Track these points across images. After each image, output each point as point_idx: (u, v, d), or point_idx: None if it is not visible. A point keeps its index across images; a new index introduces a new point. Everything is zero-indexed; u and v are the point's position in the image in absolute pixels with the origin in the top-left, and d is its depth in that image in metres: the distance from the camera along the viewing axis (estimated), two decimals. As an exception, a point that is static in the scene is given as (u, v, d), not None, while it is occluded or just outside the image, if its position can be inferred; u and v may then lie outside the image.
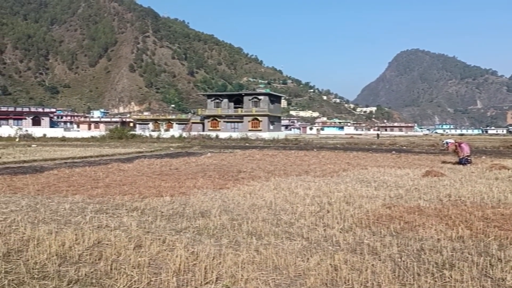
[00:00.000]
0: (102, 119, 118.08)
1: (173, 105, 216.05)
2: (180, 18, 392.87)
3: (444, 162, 20.51)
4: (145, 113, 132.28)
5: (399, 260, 5.27)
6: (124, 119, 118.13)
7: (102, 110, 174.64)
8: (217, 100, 75.50)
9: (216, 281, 4.55)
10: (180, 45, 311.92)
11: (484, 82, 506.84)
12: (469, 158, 19.30)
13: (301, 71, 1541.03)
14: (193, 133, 65.75)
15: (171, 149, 33.53)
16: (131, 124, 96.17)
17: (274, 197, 9.83)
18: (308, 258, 5.28)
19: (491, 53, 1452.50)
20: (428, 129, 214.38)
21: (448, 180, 13.16)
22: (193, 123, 78.83)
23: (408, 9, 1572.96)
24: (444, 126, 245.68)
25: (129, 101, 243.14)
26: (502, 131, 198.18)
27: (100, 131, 75.51)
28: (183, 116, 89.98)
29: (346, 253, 5.52)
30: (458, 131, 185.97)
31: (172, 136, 57.92)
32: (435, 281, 4.57)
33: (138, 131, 73.28)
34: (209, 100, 76.60)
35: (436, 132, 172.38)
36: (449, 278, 4.62)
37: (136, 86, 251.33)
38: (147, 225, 7.09)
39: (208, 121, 74.69)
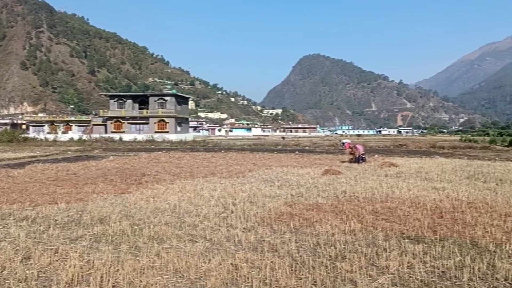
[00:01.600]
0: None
1: (72, 106, 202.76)
2: (78, 14, 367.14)
3: (342, 161, 21.91)
4: (40, 114, 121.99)
5: (297, 255, 5.51)
6: (15, 121, 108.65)
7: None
8: (121, 101, 72.36)
9: (113, 289, 4.37)
10: (79, 42, 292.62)
11: (377, 86, 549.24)
12: (363, 156, 20.92)
13: (209, 73, 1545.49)
14: (94, 135, 62.37)
15: (69, 153, 31.47)
16: (24, 126, 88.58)
17: (179, 200, 9.71)
18: (209, 259, 5.30)
19: (383, 60, 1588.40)
20: (329, 130, 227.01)
21: (345, 178, 14.08)
22: (94, 125, 74.71)
23: (311, 15, 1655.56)
24: (344, 127, 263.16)
25: (21, 101, 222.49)
26: (393, 131, 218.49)
27: (-13, 134, 68.19)
28: (83, 118, 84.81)
29: (247, 251, 5.64)
30: (356, 132, 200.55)
31: (71, 139, 54.51)
32: (328, 273, 4.87)
33: (31, 133, 67.79)
34: (111, 101, 73.09)
35: (336, 133, 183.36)
36: (340, 269, 4.96)
37: (29, 85, 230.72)
38: (38, 235, 6.58)
39: (111, 123, 71.29)
